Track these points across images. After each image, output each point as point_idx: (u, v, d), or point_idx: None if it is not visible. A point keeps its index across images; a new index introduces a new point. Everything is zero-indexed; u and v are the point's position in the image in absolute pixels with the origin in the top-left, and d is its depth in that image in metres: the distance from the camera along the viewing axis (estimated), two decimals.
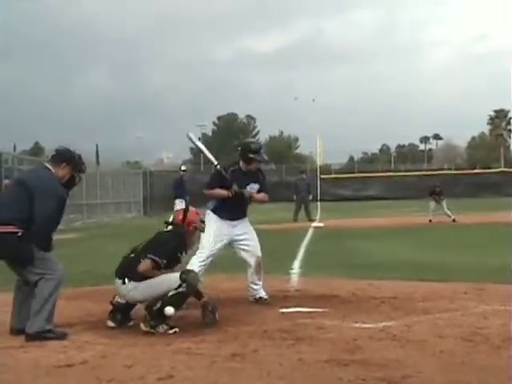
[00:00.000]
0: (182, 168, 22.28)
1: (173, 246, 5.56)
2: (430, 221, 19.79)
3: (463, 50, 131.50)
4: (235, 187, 6.48)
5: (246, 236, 6.67)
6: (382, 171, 56.67)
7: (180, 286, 5.25)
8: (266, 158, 6.94)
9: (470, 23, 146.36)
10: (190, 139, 6.84)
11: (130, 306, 5.53)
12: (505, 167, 57.28)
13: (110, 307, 5.56)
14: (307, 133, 76.32)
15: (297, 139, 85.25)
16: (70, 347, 4.83)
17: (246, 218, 6.79)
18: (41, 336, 5.01)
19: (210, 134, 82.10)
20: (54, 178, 5.31)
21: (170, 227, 5.90)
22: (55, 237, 5.36)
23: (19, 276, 5.32)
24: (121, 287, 5.41)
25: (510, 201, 28.40)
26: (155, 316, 5.27)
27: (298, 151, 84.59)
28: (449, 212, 20.03)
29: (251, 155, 6.64)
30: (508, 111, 76.59)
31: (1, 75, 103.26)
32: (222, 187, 6.54)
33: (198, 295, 5.51)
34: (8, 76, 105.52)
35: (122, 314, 5.53)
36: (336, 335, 5.03)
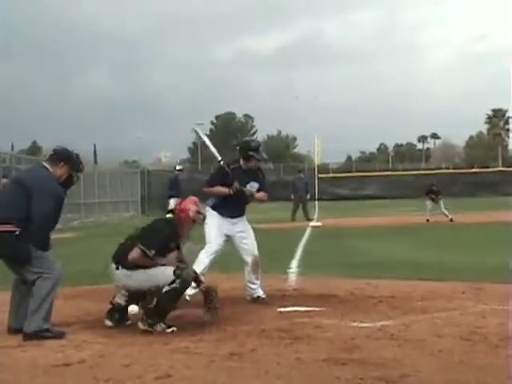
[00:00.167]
0: (178, 167, 21.86)
1: (166, 235, 5.52)
2: (428, 220, 19.76)
3: (463, 49, 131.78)
4: (236, 185, 6.50)
5: (244, 234, 6.69)
6: (380, 170, 56.68)
7: (174, 281, 5.25)
8: (265, 156, 6.96)
9: (470, 23, 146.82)
10: (197, 133, 6.88)
11: (128, 306, 5.52)
12: (503, 166, 57.41)
13: (108, 306, 5.54)
14: (305, 132, 76.65)
15: (295, 139, 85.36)
16: (68, 346, 4.82)
17: (245, 217, 6.82)
18: (38, 335, 5.00)
19: (208, 132, 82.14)
20: (52, 177, 5.30)
21: (169, 215, 5.89)
22: (53, 236, 5.35)
23: (17, 275, 5.31)
24: (114, 272, 5.44)
25: (507, 200, 28.49)
26: (152, 314, 5.27)
27: (295, 150, 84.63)
28: (446, 211, 19.99)
29: (250, 152, 6.67)
30: (506, 110, 76.62)
31: (1, 75, 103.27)
32: (222, 185, 6.56)
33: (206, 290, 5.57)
34: (8, 76, 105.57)
35: (119, 313, 5.52)
36: (334, 334, 5.03)
